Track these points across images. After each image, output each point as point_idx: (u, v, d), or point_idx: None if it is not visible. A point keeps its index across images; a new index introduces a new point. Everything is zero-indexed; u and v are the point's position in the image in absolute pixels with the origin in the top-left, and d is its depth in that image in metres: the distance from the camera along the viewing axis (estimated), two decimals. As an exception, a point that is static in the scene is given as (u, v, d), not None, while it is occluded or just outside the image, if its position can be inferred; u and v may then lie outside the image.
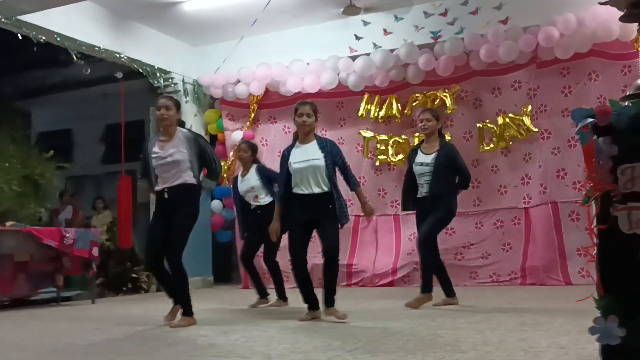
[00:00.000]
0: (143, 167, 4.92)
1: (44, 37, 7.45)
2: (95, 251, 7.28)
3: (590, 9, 7.31)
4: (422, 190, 5.44)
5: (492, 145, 7.95)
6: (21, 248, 6.74)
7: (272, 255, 6.30)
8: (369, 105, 8.56)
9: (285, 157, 4.87)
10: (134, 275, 8.89)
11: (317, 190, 4.65)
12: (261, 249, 6.37)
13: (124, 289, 8.72)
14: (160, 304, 6.89)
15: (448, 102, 8.12)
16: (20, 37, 7.29)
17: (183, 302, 4.76)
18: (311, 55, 8.64)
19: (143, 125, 10.87)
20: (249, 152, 6.37)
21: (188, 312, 4.72)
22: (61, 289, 7.53)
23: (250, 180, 6.24)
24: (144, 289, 8.94)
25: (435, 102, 8.19)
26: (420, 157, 5.50)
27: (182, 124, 4.95)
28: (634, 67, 7.36)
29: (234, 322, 4.78)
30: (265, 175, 6.26)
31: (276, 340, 3.79)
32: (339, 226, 4.69)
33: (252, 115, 9.24)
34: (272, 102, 9.25)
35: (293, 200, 4.73)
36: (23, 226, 6.95)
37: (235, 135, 9.13)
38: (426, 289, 5.35)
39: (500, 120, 7.90)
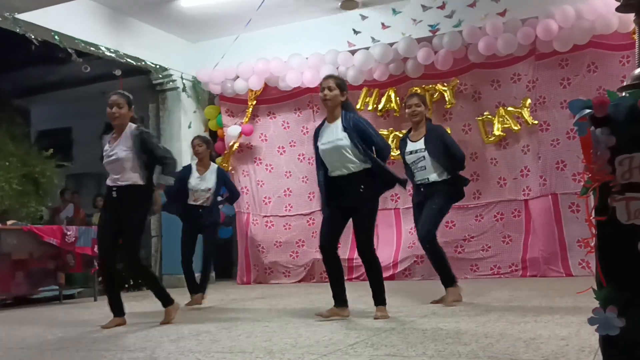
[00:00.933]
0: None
1: (41, 36, 7.45)
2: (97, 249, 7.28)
3: (588, 1, 7.30)
4: (417, 179, 5.28)
5: (492, 138, 7.94)
6: (21, 247, 6.76)
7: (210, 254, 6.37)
8: (368, 98, 8.56)
9: (315, 136, 4.59)
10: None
11: (344, 171, 4.39)
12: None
13: (126, 286, 8.73)
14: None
15: (447, 95, 8.11)
16: (18, 35, 7.29)
17: (159, 296, 4.78)
18: (310, 49, 8.64)
19: (142, 123, 10.84)
20: (204, 145, 6.23)
21: (168, 302, 4.76)
22: (63, 287, 7.55)
23: (208, 181, 6.14)
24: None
25: (435, 96, 8.19)
26: (410, 146, 5.33)
27: (134, 120, 4.82)
28: (632, 58, 7.34)
29: (236, 318, 4.79)
30: (225, 183, 6.30)
31: (278, 335, 3.80)
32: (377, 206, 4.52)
33: (250, 110, 9.23)
34: (271, 98, 9.25)
35: (327, 184, 4.48)
36: (24, 225, 6.97)
37: (233, 129, 9.12)
38: (448, 282, 5.15)
39: (498, 114, 7.89)
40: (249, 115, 9.24)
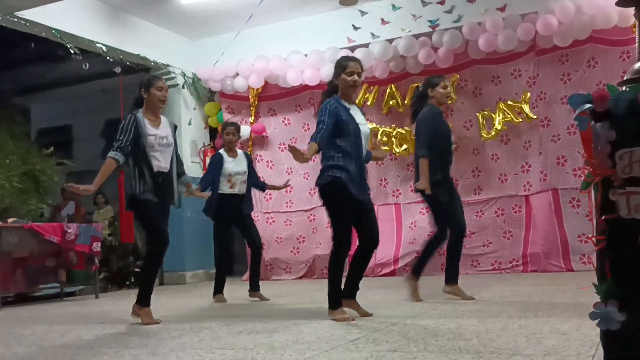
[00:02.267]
0: (126, 140, 4.56)
1: (41, 34, 7.45)
2: (96, 246, 7.30)
3: (587, -5, 7.30)
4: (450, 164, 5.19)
5: (492, 133, 7.94)
6: (22, 244, 6.77)
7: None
8: (367, 94, 8.55)
9: (339, 109, 4.18)
10: (136, 269, 8.92)
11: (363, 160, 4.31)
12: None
13: (127, 283, 8.77)
14: (163, 298, 6.93)
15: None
16: (17, 33, 7.29)
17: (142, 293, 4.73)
18: (309, 46, 8.62)
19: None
20: (237, 133, 6.26)
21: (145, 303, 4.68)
22: (64, 285, 7.57)
23: (242, 164, 6.14)
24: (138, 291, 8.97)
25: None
26: (448, 131, 5.23)
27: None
28: (632, 53, 7.33)
29: (237, 315, 4.79)
30: (251, 165, 6.28)
31: (279, 331, 3.81)
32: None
33: (254, 109, 9.24)
34: (271, 95, 9.26)
35: (345, 169, 4.17)
36: (25, 222, 6.97)
37: (242, 129, 9.14)
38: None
39: (499, 109, 7.88)
40: (254, 114, 9.25)
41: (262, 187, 6.49)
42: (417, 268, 5.21)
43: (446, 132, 5.14)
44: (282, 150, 9.15)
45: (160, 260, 4.76)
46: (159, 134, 4.63)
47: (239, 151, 6.27)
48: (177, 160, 4.82)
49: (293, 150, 3.87)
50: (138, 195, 4.56)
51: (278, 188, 6.51)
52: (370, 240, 4.33)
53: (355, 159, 4.19)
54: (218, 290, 6.19)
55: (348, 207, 4.18)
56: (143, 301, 4.61)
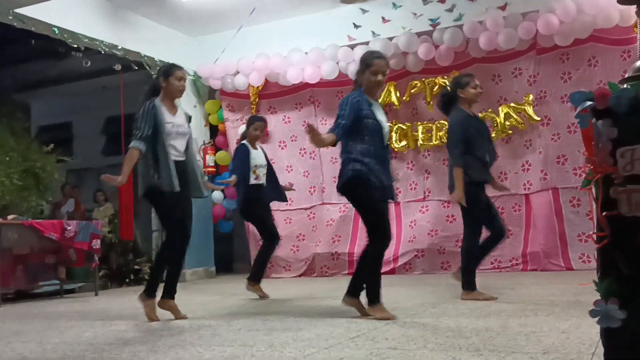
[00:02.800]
0: (147, 129, 4.43)
1: (41, 31, 7.43)
2: (95, 243, 7.29)
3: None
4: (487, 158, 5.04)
5: (493, 134, 7.93)
6: (22, 241, 6.76)
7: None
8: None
9: (361, 103, 4.09)
10: (136, 267, 8.93)
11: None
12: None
13: (127, 280, 8.75)
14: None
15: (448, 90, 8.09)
16: (18, 30, 7.27)
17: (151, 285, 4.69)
18: (310, 44, 8.61)
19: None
20: (264, 131, 6.46)
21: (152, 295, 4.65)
22: (64, 282, 7.57)
23: (262, 157, 6.22)
24: (146, 280, 8.96)
25: (434, 89, 8.18)
26: (485, 128, 5.15)
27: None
28: (633, 52, 7.33)
29: (237, 312, 4.80)
30: (268, 159, 6.34)
31: (278, 329, 3.81)
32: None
33: (254, 107, 9.25)
34: (271, 93, 9.26)
35: (365, 163, 4.07)
36: (25, 219, 6.97)
37: (243, 128, 9.14)
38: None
39: (502, 110, 7.88)
40: (254, 112, 9.25)
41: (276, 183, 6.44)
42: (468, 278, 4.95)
43: (481, 132, 4.99)
44: (282, 148, 9.15)
45: (174, 253, 4.60)
46: (176, 122, 4.57)
47: (258, 144, 6.35)
48: (194, 148, 4.81)
49: (311, 130, 3.80)
50: (156, 185, 4.44)
51: (288, 189, 6.57)
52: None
53: (374, 154, 4.07)
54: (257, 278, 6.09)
55: (377, 195, 4.07)
56: (148, 291, 4.57)
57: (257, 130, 6.21)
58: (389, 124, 8.37)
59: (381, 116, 4.22)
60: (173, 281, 4.65)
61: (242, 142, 6.27)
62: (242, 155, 6.11)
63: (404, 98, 8.42)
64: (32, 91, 11.83)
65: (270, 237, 6.15)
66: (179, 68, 4.70)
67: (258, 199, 6.08)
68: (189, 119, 4.81)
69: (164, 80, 4.60)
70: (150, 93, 4.65)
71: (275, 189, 6.30)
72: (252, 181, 6.05)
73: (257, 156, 6.14)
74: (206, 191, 4.83)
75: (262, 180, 6.14)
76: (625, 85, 1.71)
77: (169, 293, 4.63)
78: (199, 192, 4.71)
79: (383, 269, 4.39)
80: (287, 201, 6.74)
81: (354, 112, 4.03)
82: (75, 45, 7.77)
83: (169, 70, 4.64)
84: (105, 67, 8.91)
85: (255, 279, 6.06)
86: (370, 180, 4.02)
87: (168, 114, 4.55)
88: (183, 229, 4.56)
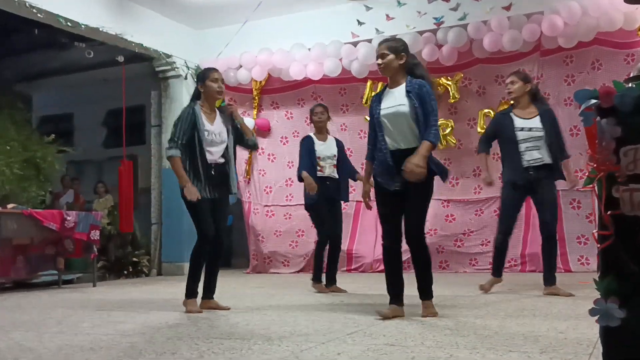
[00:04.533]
0: (182, 135, 4.51)
1: (45, 20, 7.42)
2: (94, 234, 7.29)
3: (593, -2, 7.28)
4: (528, 159, 4.99)
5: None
6: (22, 231, 6.76)
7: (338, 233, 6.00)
8: (373, 92, 8.54)
9: (372, 104, 4.09)
10: (134, 259, 8.94)
11: (402, 145, 3.89)
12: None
13: (125, 272, 8.77)
14: (161, 288, 6.95)
15: (451, 90, 8.10)
16: (20, 19, 7.26)
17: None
18: (313, 39, 8.61)
19: (144, 110, 10.86)
20: (326, 114, 6.03)
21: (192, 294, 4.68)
22: (62, 272, 7.57)
23: (331, 148, 5.95)
24: (144, 272, 8.99)
25: (438, 89, 8.18)
26: (521, 122, 5.05)
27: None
28: (637, 56, 7.33)
29: (235, 306, 4.79)
30: (342, 151, 6.05)
31: (276, 323, 3.81)
32: (443, 180, 4.02)
33: (257, 101, 9.25)
34: (274, 88, 9.25)
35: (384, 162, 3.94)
36: (24, 209, 6.97)
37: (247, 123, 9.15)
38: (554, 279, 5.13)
39: (502, 106, 7.87)
40: (257, 108, 9.26)
41: (353, 175, 6.10)
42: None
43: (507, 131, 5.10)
44: (284, 144, 9.15)
45: (203, 256, 4.60)
46: (214, 131, 4.59)
47: (330, 137, 6.09)
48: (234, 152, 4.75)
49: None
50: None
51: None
52: (406, 240, 4.02)
53: (380, 151, 3.96)
54: (318, 278, 5.93)
55: (380, 198, 4.04)
56: (187, 293, 4.60)
57: (316, 114, 5.98)
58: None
59: (387, 102, 4.01)
60: (208, 281, 4.71)
61: (309, 134, 6.12)
62: (304, 149, 5.92)
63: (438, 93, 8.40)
64: (33, 82, 11.78)
65: (333, 235, 5.93)
66: (214, 70, 4.77)
67: (322, 192, 5.76)
68: (231, 120, 4.75)
69: (201, 85, 4.65)
70: (192, 99, 4.75)
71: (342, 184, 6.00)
72: (317, 174, 5.82)
73: (323, 147, 5.90)
74: (235, 191, 4.80)
75: (328, 172, 5.87)
76: (630, 85, 1.70)
77: (206, 294, 4.71)
78: (229, 190, 4.72)
79: (382, 267, 4.36)
80: (340, 199, 6.09)
81: (370, 116, 4.15)
82: (78, 36, 7.76)
83: (205, 74, 4.70)
84: (108, 59, 8.89)
85: (329, 282, 5.90)
86: (376, 181, 4.06)
87: (206, 121, 4.59)
88: (211, 235, 4.56)
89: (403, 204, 3.92)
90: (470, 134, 8.00)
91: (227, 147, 4.67)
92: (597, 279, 1.73)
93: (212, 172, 4.55)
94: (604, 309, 1.65)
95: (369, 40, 8.29)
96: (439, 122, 8.01)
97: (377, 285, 6.24)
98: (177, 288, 4.87)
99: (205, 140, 4.51)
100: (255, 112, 9.28)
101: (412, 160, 3.73)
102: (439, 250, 8.03)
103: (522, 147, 4.97)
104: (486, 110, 8.00)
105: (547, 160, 4.98)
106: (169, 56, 9.14)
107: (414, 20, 8.14)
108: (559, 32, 7.40)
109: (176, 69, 9.26)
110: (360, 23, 8.43)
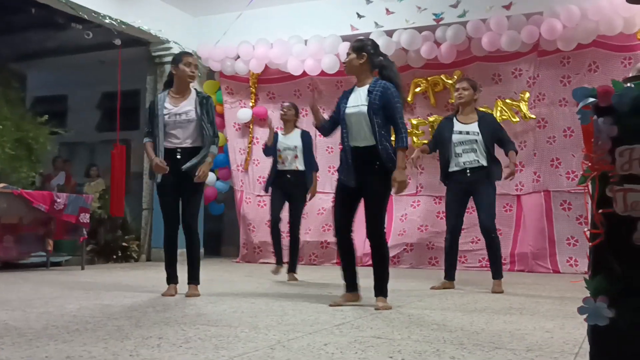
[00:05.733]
0: (149, 124, 4.67)
1: (43, 0, 7.36)
2: (83, 217, 7.27)
3: (593, 1, 7.27)
4: (465, 160, 5.19)
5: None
6: (11, 211, 6.73)
7: (297, 225, 6.22)
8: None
9: (340, 100, 4.23)
10: (124, 243, 8.91)
11: (361, 143, 4.02)
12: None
13: (114, 257, 8.74)
14: (150, 273, 6.93)
15: (450, 89, 8.09)
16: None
17: (198, 270, 4.76)
18: (311, 31, 8.57)
19: (139, 95, 10.80)
20: (292, 110, 6.36)
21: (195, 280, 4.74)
22: (51, 254, 7.53)
23: (293, 139, 6.20)
24: (134, 257, 8.97)
25: (437, 87, 8.20)
26: (459, 126, 5.26)
27: None
28: (634, 59, 7.34)
29: (223, 294, 4.79)
30: (307, 145, 6.25)
31: (264, 312, 3.80)
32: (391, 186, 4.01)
33: (254, 91, 9.24)
34: (271, 78, 9.23)
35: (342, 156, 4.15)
36: (15, 189, 6.92)
37: (243, 113, 9.13)
38: (499, 274, 5.26)
39: (497, 105, 7.89)
40: (254, 99, 9.23)
41: (312, 169, 6.33)
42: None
43: (446, 134, 5.31)
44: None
45: (167, 241, 4.72)
46: (176, 111, 4.57)
47: (297, 130, 6.33)
48: (205, 132, 4.60)
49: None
50: (153, 174, 4.67)
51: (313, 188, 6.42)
52: (367, 236, 4.22)
53: (343, 149, 4.15)
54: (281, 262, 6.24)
55: (338, 193, 4.24)
56: (166, 278, 4.75)
57: (282, 110, 6.37)
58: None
59: (353, 101, 4.13)
60: (189, 268, 4.75)
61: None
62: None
63: (408, 99, 8.39)
64: (29, 61, 11.69)
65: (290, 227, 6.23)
66: (189, 54, 4.79)
67: (283, 184, 6.15)
68: (205, 100, 4.66)
69: (174, 68, 4.66)
70: (166, 85, 4.80)
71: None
72: (279, 166, 6.17)
73: (282, 138, 6.21)
74: (200, 172, 4.60)
75: (288, 165, 6.15)
76: (628, 85, 1.70)
77: (188, 280, 4.73)
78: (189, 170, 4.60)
79: (371, 261, 4.38)
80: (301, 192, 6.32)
81: (336, 111, 4.28)
82: (76, 18, 7.69)
83: (178, 57, 4.72)
84: (105, 42, 8.82)
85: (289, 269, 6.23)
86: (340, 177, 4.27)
87: (169, 104, 4.59)
88: (165, 218, 4.67)
89: (358, 198, 4.14)
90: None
91: (200, 128, 4.56)
92: (587, 278, 1.73)
93: (178, 156, 4.54)
94: (593, 307, 1.65)
95: (367, 35, 8.25)
96: (433, 119, 8.10)
97: (364, 280, 6.25)
98: (165, 274, 4.85)
99: (166, 124, 4.54)
100: (252, 101, 9.25)
101: (396, 179, 3.93)
102: (429, 246, 8.05)
103: (459, 149, 5.20)
104: (481, 109, 7.99)
105: (483, 162, 5.17)
106: (166, 41, 9.08)
107: (413, 16, 8.13)
108: (557, 35, 7.40)
109: (173, 55, 9.18)
110: (359, 16, 8.40)
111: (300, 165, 6.15)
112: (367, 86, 4.06)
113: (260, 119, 9.17)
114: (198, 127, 4.58)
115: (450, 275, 5.42)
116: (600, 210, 1.62)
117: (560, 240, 7.40)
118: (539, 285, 5.79)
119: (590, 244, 1.65)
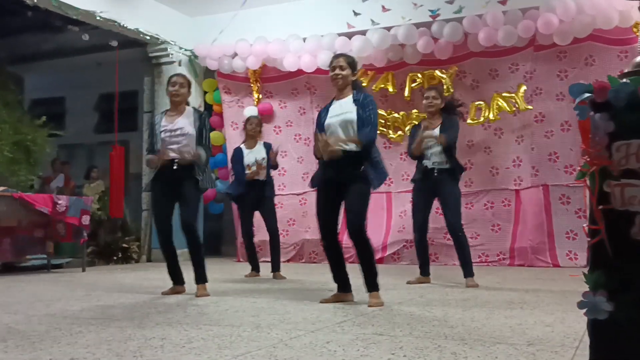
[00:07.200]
0: (152, 141, 4.90)
1: (39, 3, 7.36)
2: (85, 219, 7.27)
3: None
4: (433, 160, 5.46)
5: (481, 119, 7.99)
6: (10, 214, 6.73)
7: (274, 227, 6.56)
8: (364, 78, 8.54)
9: (319, 116, 4.43)
10: (124, 245, 8.91)
11: (346, 148, 4.14)
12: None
13: (115, 258, 8.74)
14: (151, 274, 6.94)
15: (446, 83, 8.11)
16: (14, 1, 7.20)
17: (203, 269, 4.82)
18: (309, 29, 8.57)
19: (137, 96, 10.79)
20: (259, 127, 6.68)
21: (202, 279, 4.81)
22: (51, 256, 7.54)
23: (258, 153, 6.43)
24: (134, 258, 8.98)
25: (433, 82, 8.20)
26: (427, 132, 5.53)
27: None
28: (631, 53, 7.35)
29: (224, 293, 4.80)
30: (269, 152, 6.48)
31: (266, 311, 3.82)
32: (370, 189, 4.18)
33: (256, 89, 9.26)
34: (268, 77, 9.23)
35: (321, 162, 4.32)
36: (15, 192, 6.92)
37: (249, 110, 9.11)
38: (471, 272, 5.37)
39: (493, 99, 7.91)
40: (258, 97, 9.24)
41: (274, 168, 6.62)
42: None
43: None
44: (278, 134, 9.13)
45: (164, 244, 4.89)
46: (171, 128, 4.74)
47: (260, 142, 6.58)
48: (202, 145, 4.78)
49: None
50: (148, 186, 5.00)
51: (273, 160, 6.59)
52: (348, 231, 4.25)
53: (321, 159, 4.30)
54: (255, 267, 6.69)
55: (320, 199, 4.34)
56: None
57: (249, 125, 6.58)
58: (384, 112, 8.43)
59: (333, 111, 4.32)
60: (194, 269, 4.83)
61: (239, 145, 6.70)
62: (232, 160, 6.67)
63: (406, 96, 8.41)
64: (26, 64, 11.67)
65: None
66: (174, 75, 5.04)
67: (245, 195, 6.49)
68: (199, 115, 4.86)
69: (166, 90, 4.93)
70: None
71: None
72: (247, 177, 6.42)
73: (248, 155, 6.44)
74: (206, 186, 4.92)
75: (256, 175, 6.38)
76: (624, 80, 1.71)
77: (196, 280, 4.81)
78: (195, 184, 4.84)
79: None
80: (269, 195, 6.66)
81: (317, 126, 4.44)
82: (73, 20, 7.69)
83: (168, 79, 4.97)
84: (101, 43, 8.83)
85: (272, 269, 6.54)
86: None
87: (165, 122, 4.80)
88: (159, 227, 4.85)
89: (340, 199, 4.20)
90: (464, 127, 7.99)
91: (196, 142, 4.74)
92: (587, 272, 1.74)
93: (175, 167, 4.71)
94: (592, 302, 1.67)
95: (364, 32, 8.28)
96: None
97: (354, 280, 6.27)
98: (166, 274, 4.87)
99: (163, 141, 4.73)
100: (257, 98, 9.25)
101: (330, 143, 4.11)
102: (429, 242, 8.03)
103: (428, 152, 5.47)
104: (477, 103, 8.03)
105: (445, 164, 5.44)
106: (163, 42, 9.07)
107: (409, 12, 8.13)
108: (554, 29, 7.41)
109: (170, 55, 9.21)
110: (356, 14, 8.41)
111: (266, 175, 6.45)
112: (350, 97, 4.29)
113: (265, 115, 9.14)
114: (194, 141, 4.74)
115: (425, 270, 5.69)
116: (600, 207, 1.63)
117: (560, 234, 7.42)
118: (539, 280, 5.80)
119: (590, 240, 1.66)
